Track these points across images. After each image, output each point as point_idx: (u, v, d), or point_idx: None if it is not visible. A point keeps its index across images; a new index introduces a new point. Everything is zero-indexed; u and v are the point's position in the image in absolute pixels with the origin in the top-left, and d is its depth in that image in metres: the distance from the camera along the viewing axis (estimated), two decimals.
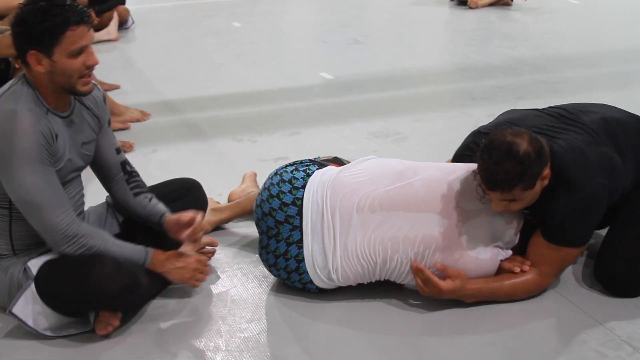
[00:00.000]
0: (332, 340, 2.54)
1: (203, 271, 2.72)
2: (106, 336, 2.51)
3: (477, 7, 8.39)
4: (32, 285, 2.44)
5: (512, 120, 2.83)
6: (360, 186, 2.67)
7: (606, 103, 3.06)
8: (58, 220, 2.40)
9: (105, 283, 2.39)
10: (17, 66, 4.06)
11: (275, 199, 2.71)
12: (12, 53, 4.04)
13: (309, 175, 2.74)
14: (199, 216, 2.74)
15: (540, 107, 3.02)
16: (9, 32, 3.95)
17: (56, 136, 2.43)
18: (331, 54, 6.73)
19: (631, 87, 5.51)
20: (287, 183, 2.73)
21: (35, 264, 2.48)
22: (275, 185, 2.74)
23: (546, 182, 2.56)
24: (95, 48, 2.47)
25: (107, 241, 2.51)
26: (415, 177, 2.68)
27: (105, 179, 2.77)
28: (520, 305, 2.69)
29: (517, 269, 2.66)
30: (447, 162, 2.95)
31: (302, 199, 2.68)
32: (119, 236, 2.62)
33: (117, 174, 2.75)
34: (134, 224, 2.83)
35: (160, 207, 2.78)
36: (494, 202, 2.56)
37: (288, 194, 2.70)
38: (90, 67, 2.44)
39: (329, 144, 4.29)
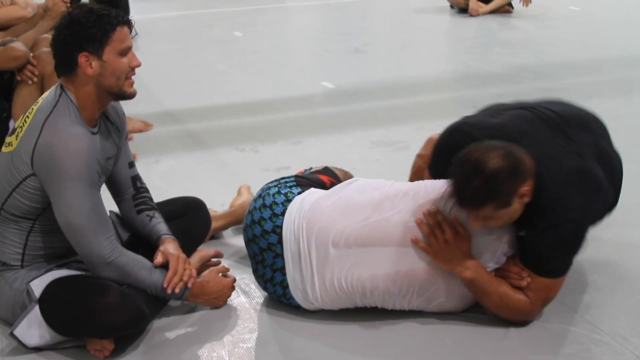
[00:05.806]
0: (334, 349, 2.54)
1: (229, 293, 2.80)
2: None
3: (477, 15, 8.40)
4: (36, 308, 2.41)
5: (499, 127, 2.64)
6: (336, 219, 2.60)
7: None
8: (101, 246, 2.41)
9: (109, 315, 2.39)
10: (18, 78, 4.06)
11: (257, 225, 2.70)
12: (12, 66, 4.06)
13: (289, 201, 2.69)
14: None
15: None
16: (13, 44, 3.99)
17: (105, 158, 2.51)
18: (332, 62, 6.74)
19: (633, 94, 5.52)
20: (267, 209, 2.69)
21: (38, 285, 2.45)
22: (257, 210, 2.72)
23: (526, 199, 2.42)
24: None
25: (146, 271, 2.51)
26: (392, 211, 2.57)
27: (116, 193, 2.76)
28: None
29: (524, 283, 2.51)
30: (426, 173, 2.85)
31: (281, 227, 2.65)
32: None
33: (127, 189, 2.74)
34: (137, 243, 2.75)
35: (161, 227, 2.70)
36: (470, 218, 2.46)
37: (268, 220, 2.68)
38: (133, 68, 2.51)
39: (331, 153, 4.30)
